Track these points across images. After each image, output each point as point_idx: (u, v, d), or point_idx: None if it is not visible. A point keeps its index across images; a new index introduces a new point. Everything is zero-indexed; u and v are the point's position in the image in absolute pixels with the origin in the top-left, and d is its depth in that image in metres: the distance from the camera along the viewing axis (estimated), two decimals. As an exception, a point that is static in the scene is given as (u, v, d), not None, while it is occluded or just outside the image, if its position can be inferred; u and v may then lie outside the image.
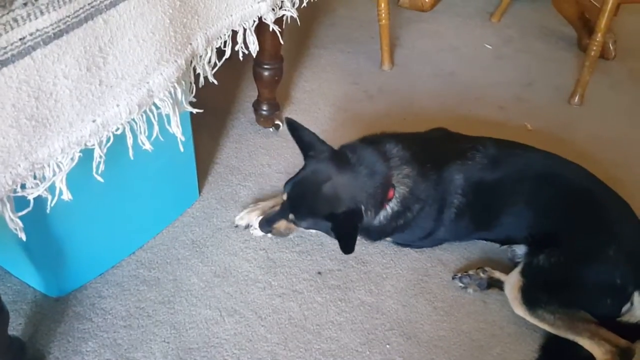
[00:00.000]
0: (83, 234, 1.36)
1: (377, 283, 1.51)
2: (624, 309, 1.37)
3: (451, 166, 1.48)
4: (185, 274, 1.50)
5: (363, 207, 1.38)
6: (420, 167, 1.46)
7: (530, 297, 1.37)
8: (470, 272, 1.51)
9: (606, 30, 2.06)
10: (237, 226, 1.61)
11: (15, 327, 1.34)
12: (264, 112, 1.92)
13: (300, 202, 1.40)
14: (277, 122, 1.95)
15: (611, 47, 2.41)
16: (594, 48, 2.08)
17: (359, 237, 1.38)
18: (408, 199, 1.45)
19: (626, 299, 1.36)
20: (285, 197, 1.42)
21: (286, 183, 1.43)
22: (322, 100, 2.13)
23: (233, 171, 1.80)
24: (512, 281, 1.41)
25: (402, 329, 1.41)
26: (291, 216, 1.42)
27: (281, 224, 1.46)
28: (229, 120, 2.01)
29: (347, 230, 1.34)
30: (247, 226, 1.60)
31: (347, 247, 1.32)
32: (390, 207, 1.45)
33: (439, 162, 1.49)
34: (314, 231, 1.54)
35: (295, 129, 1.42)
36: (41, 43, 0.88)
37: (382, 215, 1.45)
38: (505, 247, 1.58)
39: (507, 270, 1.49)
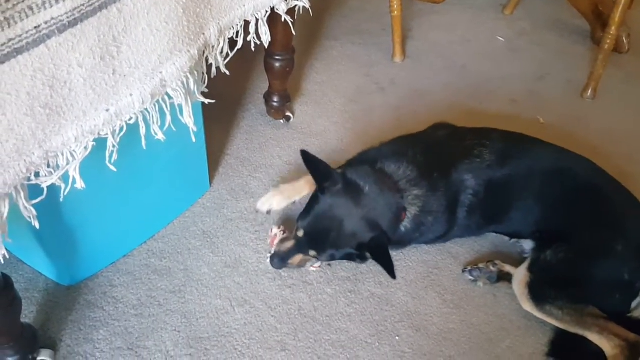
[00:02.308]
0: (95, 223, 1.37)
1: (387, 275, 1.51)
2: (634, 304, 1.36)
3: (459, 167, 1.47)
4: (196, 264, 1.51)
5: (385, 232, 1.37)
6: (428, 184, 1.44)
7: (538, 293, 1.36)
8: (481, 266, 1.51)
9: (620, 23, 2.04)
10: (257, 211, 1.54)
11: (28, 315, 1.35)
12: (275, 104, 1.92)
13: (323, 238, 1.37)
14: (288, 113, 1.95)
15: (625, 41, 2.38)
16: (608, 41, 2.05)
17: None
18: (420, 216, 1.44)
19: (635, 294, 1.36)
20: (301, 233, 1.39)
21: (300, 218, 1.40)
22: (333, 92, 2.12)
23: (244, 162, 1.81)
24: (520, 277, 1.41)
25: (411, 321, 1.41)
26: (312, 252, 1.39)
27: (296, 259, 1.42)
28: (240, 111, 2.01)
29: (383, 257, 1.32)
30: (269, 212, 1.52)
31: (391, 270, 1.30)
32: (404, 226, 1.44)
33: (446, 167, 1.47)
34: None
35: (309, 160, 1.37)
36: (56, 31, 0.89)
37: (397, 235, 1.44)
38: (513, 240, 1.58)
39: (517, 263, 1.49)
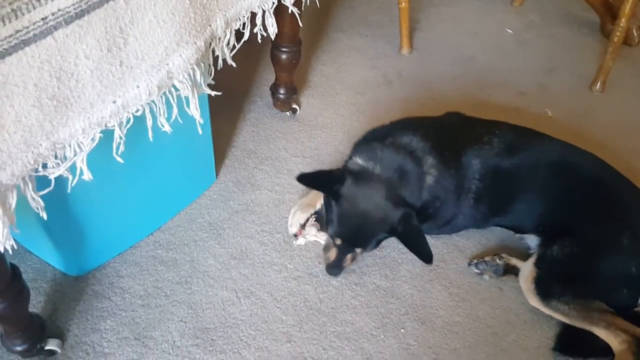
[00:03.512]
0: (102, 215, 1.38)
1: (393, 268, 1.51)
2: (641, 298, 1.36)
3: (468, 151, 1.47)
4: (202, 255, 1.51)
5: (412, 204, 1.37)
6: (441, 156, 1.44)
7: (544, 288, 1.36)
8: (487, 259, 1.50)
9: (630, 15, 2.02)
10: (295, 236, 1.54)
11: (36, 305, 1.37)
12: (281, 96, 1.92)
13: (358, 236, 1.38)
14: (294, 106, 1.95)
15: (635, 33, 2.35)
16: (618, 34, 2.03)
17: None
18: (435, 188, 1.43)
19: None
20: (339, 241, 1.40)
21: (328, 227, 1.42)
22: (340, 84, 2.12)
23: (250, 154, 1.81)
24: (526, 272, 1.41)
25: (417, 314, 1.42)
26: (358, 250, 1.41)
27: (347, 260, 1.43)
28: (246, 103, 2.01)
29: (415, 236, 1.34)
30: (300, 228, 1.54)
31: (425, 253, 1.32)
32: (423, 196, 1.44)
33: (456, 149, 1.47)
34: None
35: (307, 179, 1.39)
36: (63, 23, 0.89)
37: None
38: (518, 236, 1.57)
39: (523, 257, 1.48)
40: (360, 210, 1.36)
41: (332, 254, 1.43)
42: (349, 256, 1.43)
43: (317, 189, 1.42)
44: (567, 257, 1.37)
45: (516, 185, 1.49)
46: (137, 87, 1.05)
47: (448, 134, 1.52)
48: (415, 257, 1.49)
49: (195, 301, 1.41)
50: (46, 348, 1.26)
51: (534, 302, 1.37)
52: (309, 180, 1.40)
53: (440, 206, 1.46)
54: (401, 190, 1.37)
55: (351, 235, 1.39)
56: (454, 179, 1.45)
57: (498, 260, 1.49)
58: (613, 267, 1.35)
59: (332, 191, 1.37)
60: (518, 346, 1.36)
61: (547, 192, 1.47)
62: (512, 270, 1.49)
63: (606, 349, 1.29)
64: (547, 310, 1.36)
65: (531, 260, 1.42)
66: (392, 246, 1.56)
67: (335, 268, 1.44)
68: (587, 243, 1.37)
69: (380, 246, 1.55)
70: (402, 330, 1.38)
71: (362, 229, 1.37)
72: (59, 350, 1.28)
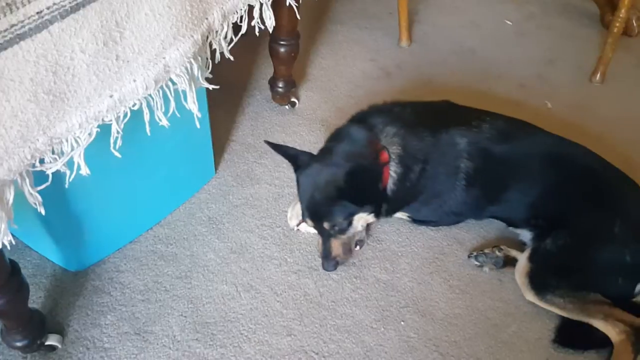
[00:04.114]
0: (101, 210, 1.38)
1: (393, 261, 1.51)
2: (638, 287, 1.35)
3: (452, 130, 1.47)
4: (202, 249, 1.51)
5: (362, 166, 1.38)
6: (409, 127, 1.45)
7: (539, 283, 1.36)
8: (486, 251, 1.50)
9: (630, 6, 2.01)
10: (297, 229, 1.56)
11: (36, 300, 1.37)
12: (280, 89, 1.91)
13: (318, 206, 1.38)
14: (293, 99, 1.94)
15: (635, 24, 2.34)
16: (617, 24, 2.02)
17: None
18: (405, 158, 1.44)
19: (638, 277, 1.35)
20: (309, 221, 1.42)
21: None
22: (339, 77, 2.11)
23: (249, 149, 1.80)
24: (520, 267, 1.41)
25: (417, 307, 1.42)
26: (326, 224, 1.39)
27: (335, 247, 1.42)
28: (245, 97, 2.00)
29: (365, 186, 1.36)
30: (300, 223, 1.56)
31: (354, 196, 1.33)
32: (393, 171, 1.44)
33: (435, 126, 1.47)
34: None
35: (276, 147, 1.45)
36: (58, 17, 0.88)
37: (390, 183, 1.44)
38: (511, 229, 1.57)
39: (523, 249, 1.48)
40: (313, 179, 1.38)
41: (319, 244, 1.43)
42: (334, 243, 1.41)
43: (284, 155, 1.45)
44: (560, 250, 1.37)
45: (508, 173, 1.48)
46: (134, 81, 1.04)
47: (429, 114, 1.53)
48: (415, 250, 1.49)
49: (195, 295, 1.41)
50: (47, 343, 1.26)
51: (530, 296, 1.37)
52: (278, 147, 1.46)
53: (418, 179, 1.46)
54: (349, 159, 1.37)
55: (311, 207, 1.39)
56: (430, 152, 1.45)
57: (497, 252, 1.49)
58: (607, 257, 1.35)
59: (295, 163, 1.43)
60: (518, 338, 1.36)
61: (539, 182, 1.47)
62: (511, 262, 1.48)
63: (605, 340, 1.29)
64: (543, 305, 1.36)
65: (525, 255, 1.41)
66: (392, 239, 1.56)
67: (327, 260, 1.42)
68: (580, 234, 1.37)
69: (379, 239, 1.55)
70: (402, 322, 1.38)
71: (316, 197, 1.37)
72: (59, 346, 1.29)
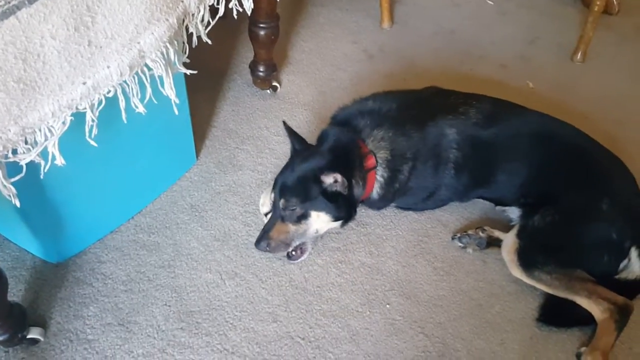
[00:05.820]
0: (80, 200, 1.35)
1: (377, 245, 1.51)
2: (622, 265, 1.37)
3: (439, 121, 1.47)
4: (185, 238, 1.50)
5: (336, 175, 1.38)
6: (397, 128, 1.45)
7: (527, 259, 1.37)
8: (470, 232, 1.51)
9: (611, -17, 2.01)
10: (266, 215, 1.53)
11: (16, 294, 1.34)
12: (261, 74, 1.88)
13: (289, 183, 1.40)
14: (275, 83, 1.92)
15: (615, 2, 2.35)
16: (598, 3, 2.02)
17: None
18: (393, 162, 1.44)
19: (623, 255, 1.36)
20: (276, 189, 1.42)
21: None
22: (321, 60, 2.09)
23: (231, 134, 1.78)
24: (508, 244, 1.41)
25: (402, 289, 1.42)
26: (282, 201, 1.38)
27: (277, 230, 1.40)
28: (225, 82, 1.97)
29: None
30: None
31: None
32: (380, 175, 1.45)
33: (422, 118, 1.47)
34: (314, 231, 1.44)
35: (290, 130, 1.50)
36: (26, 2, 0.86)
37: (377, 187, 1.46)
38: (499, 209, 1.58)
39: (506, 229, 1.49)
40: (292, 170, 1.41)
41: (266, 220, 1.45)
42: (279, 226, 1.39)
43: (290, 139, 1.50)
44: (548, 226, 1.38)
45: (498, 155, 1.49)
46: (108, 67, 1.02)
47: (415, 105, 1.52)
48: (400, 233, 1.49)
49: (179, 285, 1.40)
50: (28, 337, 1.24)
51: (517, 273, 1.38)
52: (290, 131, 1.51)
53: (408, 179, 1.47)
54: (336, 162, 1.38)
55: (283, 180, 1.41)
56: (419, 149, 1.45)
57: (481, 233, 1.50)
58: (594, 234, 1.36)
59: (293, 145, 1.49)
60: (502, 318, 1.37)
61: (529, 160, 1.47)
62: (495, 243, 1.49)
63: (589, 318, 1.31)
64: (529, 281, 1.37)
65: (513, 232, 1.42)
66: (376, 223, 1.56)
67: (263, 236, 1.40)
68: (568, 211, 1.38)
69: (364, 223, 1.55)
70: (388, 305, 1.38)
71: (288, 178, 1.40)
72: (41, 339, 1.27)
